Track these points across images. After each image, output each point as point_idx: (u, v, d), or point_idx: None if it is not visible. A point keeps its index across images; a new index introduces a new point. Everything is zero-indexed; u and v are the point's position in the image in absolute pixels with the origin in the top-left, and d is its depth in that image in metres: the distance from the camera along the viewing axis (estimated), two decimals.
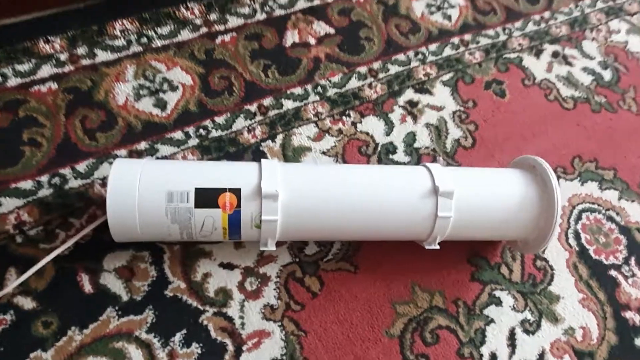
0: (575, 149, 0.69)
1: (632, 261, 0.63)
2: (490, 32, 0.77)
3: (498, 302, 0.58)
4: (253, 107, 0.64)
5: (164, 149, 0.59)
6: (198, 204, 0.46)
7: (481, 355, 0.55)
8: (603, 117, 0.73)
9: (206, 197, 0.47)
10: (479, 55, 0.74)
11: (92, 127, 0.58)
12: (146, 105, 0.61)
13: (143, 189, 0.46)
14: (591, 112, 0.73)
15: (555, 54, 0.77)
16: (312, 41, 0.70)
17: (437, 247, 0.54)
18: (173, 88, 0.63)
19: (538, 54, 0.76)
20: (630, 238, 0.64)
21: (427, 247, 0.54)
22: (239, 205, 0.47)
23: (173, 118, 0.61)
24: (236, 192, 0.47)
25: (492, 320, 0.57)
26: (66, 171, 0.56)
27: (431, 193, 0.51)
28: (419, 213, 0.51)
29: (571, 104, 0.73)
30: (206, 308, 0.52)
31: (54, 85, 0.60)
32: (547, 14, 0.80)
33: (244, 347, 0.51)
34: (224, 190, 0.47)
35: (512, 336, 0.56)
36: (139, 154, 0.58)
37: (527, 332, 0.57)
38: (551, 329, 0.57)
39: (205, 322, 0.51)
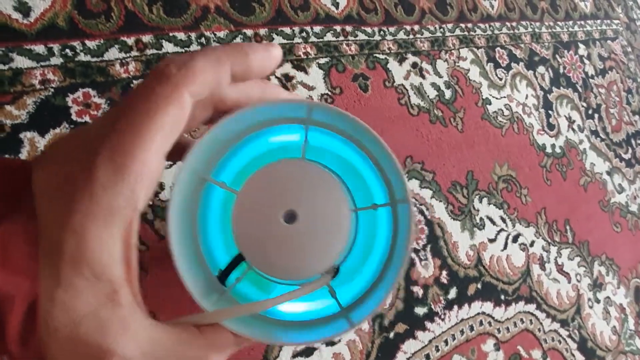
0: (411, 150, 0.82)
1: (428, 248, 0.79)
2: (369, 29, 0.84)
3: None
4: (130, 41, 0.61)
5: (20, 61, 0.54)
6: None
7: None
8: (436, 129, 0.87)
9: None
10: (354, 48, 0.82)
11: None
12: (5, 5, 0.54)
13: None
14: (429, 122, 0.87)
15: (414, 65, 0.88)
16: None
17: None
18: None
19: (401, 61, 0.87)
20: (431, 230, 0.80)
21: None
22: None
23: (36, 29, 0.56)
24: None
25: None
26: None
27: None
28: None
29: (416, 111, 0.85)
30: None
31: None
32: (416, 27, 0.91)
33: None
34: None
35: None
36: None
37: None
38: None
39: None
